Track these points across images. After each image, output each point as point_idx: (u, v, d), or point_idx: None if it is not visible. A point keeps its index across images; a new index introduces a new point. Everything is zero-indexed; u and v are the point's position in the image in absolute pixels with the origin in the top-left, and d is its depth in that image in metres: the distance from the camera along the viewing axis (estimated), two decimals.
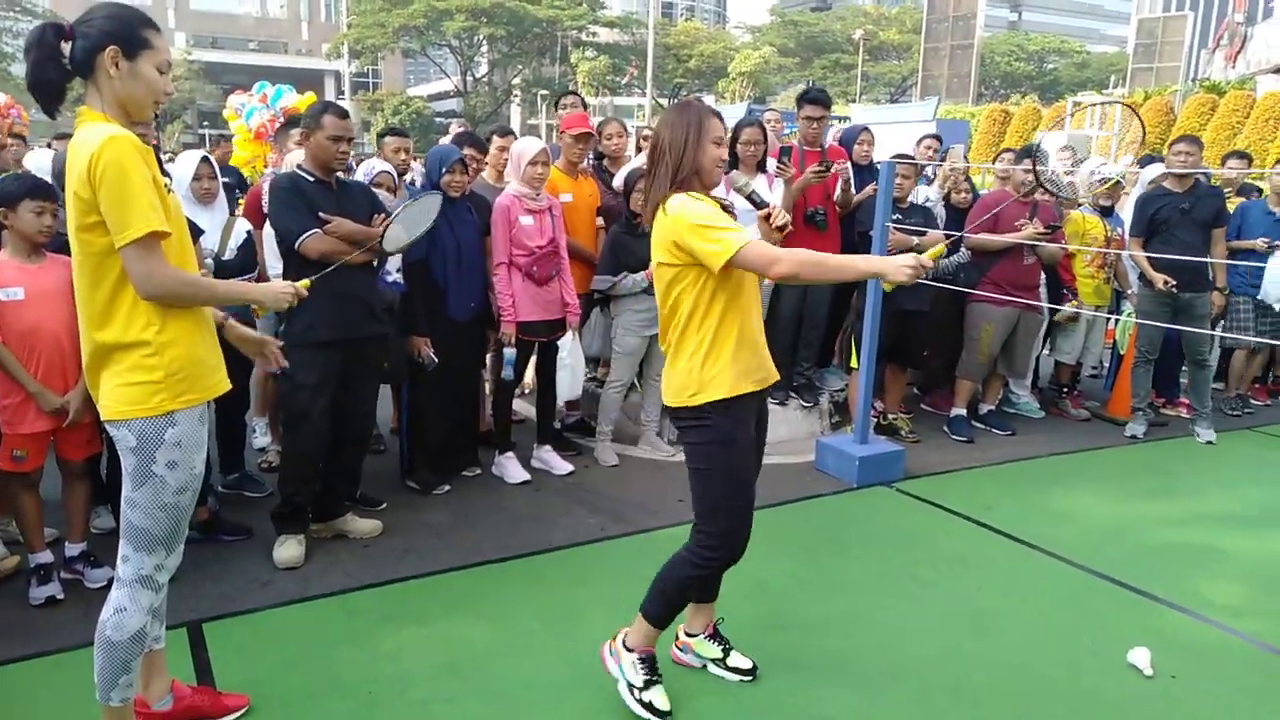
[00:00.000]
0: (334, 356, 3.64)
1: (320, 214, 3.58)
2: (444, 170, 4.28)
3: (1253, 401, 6.84)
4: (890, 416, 5.72)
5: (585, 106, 6.01)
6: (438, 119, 43.98)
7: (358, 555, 3.79)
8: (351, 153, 3.77)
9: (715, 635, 2.96)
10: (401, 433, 4.69)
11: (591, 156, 5.39)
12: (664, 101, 42.45)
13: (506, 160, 4.85)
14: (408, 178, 5.02)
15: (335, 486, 3.93)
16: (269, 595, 3.41)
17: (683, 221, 2.46)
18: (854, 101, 38.91)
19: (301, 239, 3.53)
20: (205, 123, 41.06)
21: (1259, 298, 6.32)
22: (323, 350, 3.59)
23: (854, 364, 5.33)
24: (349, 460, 3.99)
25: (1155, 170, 6.47)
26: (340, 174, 3.76)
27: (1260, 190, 7.34)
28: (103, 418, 2.18)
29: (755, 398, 2.62)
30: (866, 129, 5.92)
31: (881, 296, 4.82)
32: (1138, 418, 5.95)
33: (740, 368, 2.55)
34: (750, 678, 2.87)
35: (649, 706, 2.68)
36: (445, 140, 5.54)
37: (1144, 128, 10.92)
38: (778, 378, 2.76)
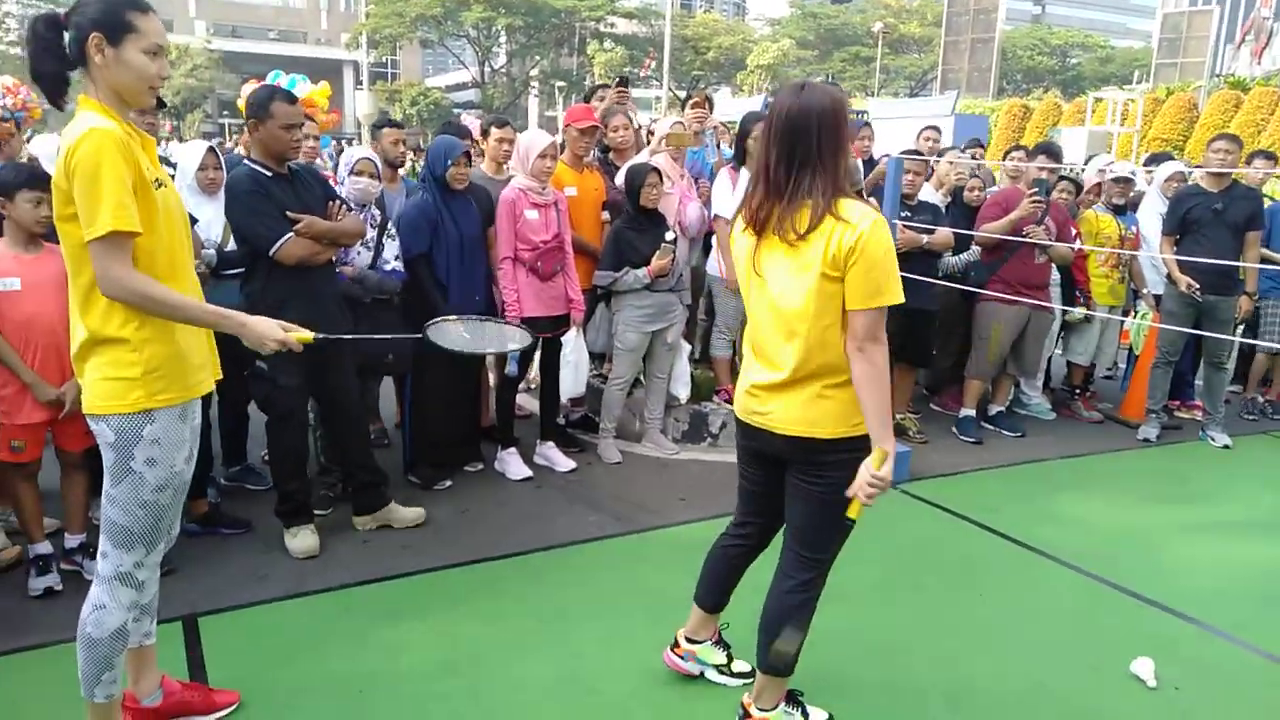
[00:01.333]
0: (311, 356, 3.56)
1: (288, 214, 3.45)
2: (449, 163, 4.24)
3: None
4: (898, 417, 5.65)
5: (628, 91, 5.80)
6: (456, 109, 44.03)
7: (356, 550, 3.77)
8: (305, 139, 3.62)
9: (720, 641, 2.91)
10: (405, 427, 4.67)
11: (597, 150, 5.34)
12: (680, 94, 42.24)
13: (505, 152, 4.81)
14: (403, 170, 4.99)
15: (359, 478, 3.92)
16: (266, 590, 3.40)
17: (875, 246, 2.10)
18: (873, 95, 38.65)
19: (277, 246, 3.42)
20: (225, 112, 41.24)
21: None
22: (301, 352, 3.51)
23: None
24: (355, 453, 3.95)
25: (1170, 169, 6.35)
26: (291, 161, 3.60)
27: None
28: (84, 410, 2.17)
29: None
30: (867, 124, 5.84)
31: None
32: (1151, 420, 5.84)
33: None
34: (752, 680, 2.82)
35: None
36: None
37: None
38: None
